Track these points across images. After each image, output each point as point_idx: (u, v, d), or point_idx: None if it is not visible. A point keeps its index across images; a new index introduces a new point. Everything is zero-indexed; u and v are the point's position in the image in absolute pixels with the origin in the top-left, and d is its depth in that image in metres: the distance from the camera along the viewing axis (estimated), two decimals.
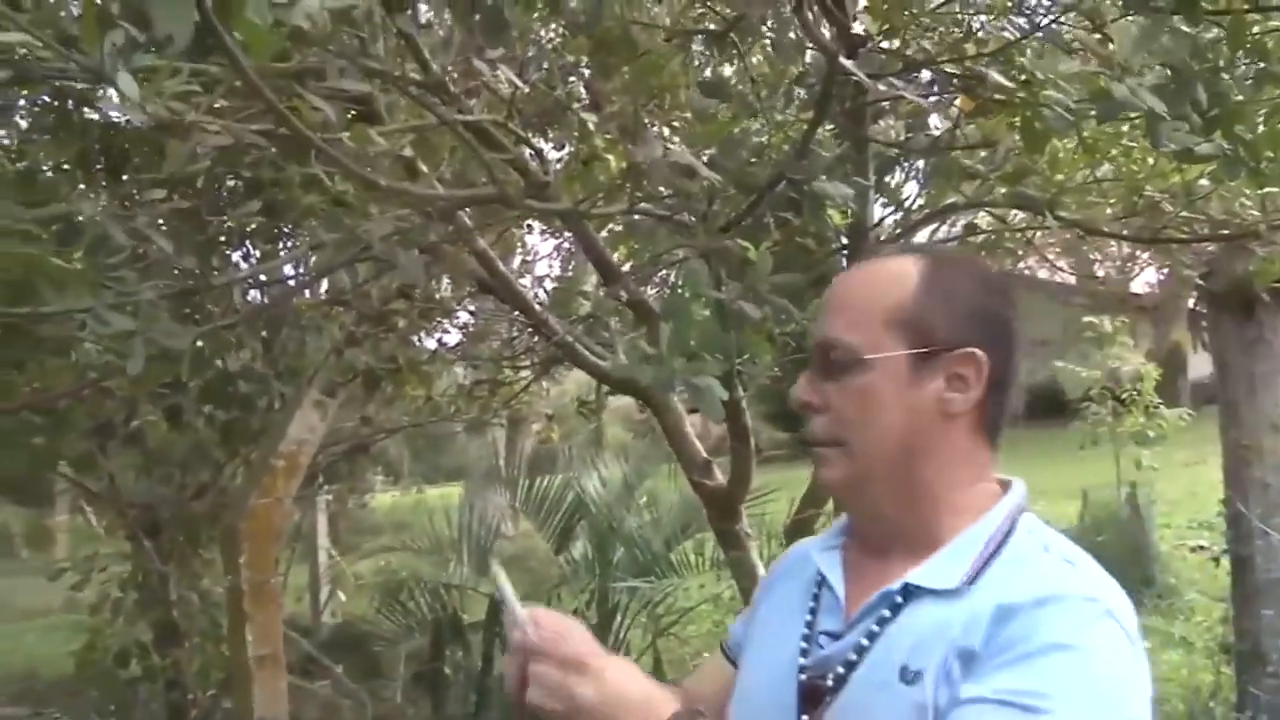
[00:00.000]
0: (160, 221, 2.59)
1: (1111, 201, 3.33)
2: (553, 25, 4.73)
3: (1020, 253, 4.39)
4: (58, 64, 1.66)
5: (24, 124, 3.81)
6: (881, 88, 2.19)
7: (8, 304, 2.79)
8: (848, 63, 1.88)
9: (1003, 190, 2.79)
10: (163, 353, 2.01)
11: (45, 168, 3.80)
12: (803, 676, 1.13)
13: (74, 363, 3.49)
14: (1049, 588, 1.03)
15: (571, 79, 5.34)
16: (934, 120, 2.96)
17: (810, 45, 2.08)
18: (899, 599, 1.10)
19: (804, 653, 1.15)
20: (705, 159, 2.20)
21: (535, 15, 4.38)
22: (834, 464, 1.15)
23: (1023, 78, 1.75)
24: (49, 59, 1.63)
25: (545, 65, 4.99)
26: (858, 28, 2.21)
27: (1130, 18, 1.72)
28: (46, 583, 6.16)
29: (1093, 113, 1.61)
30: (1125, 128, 2.78)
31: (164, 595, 5.52)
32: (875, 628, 1.10)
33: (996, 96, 2.07)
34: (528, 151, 3.07)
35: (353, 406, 5.85)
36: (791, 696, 1.12)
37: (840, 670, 1.10)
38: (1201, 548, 8.53)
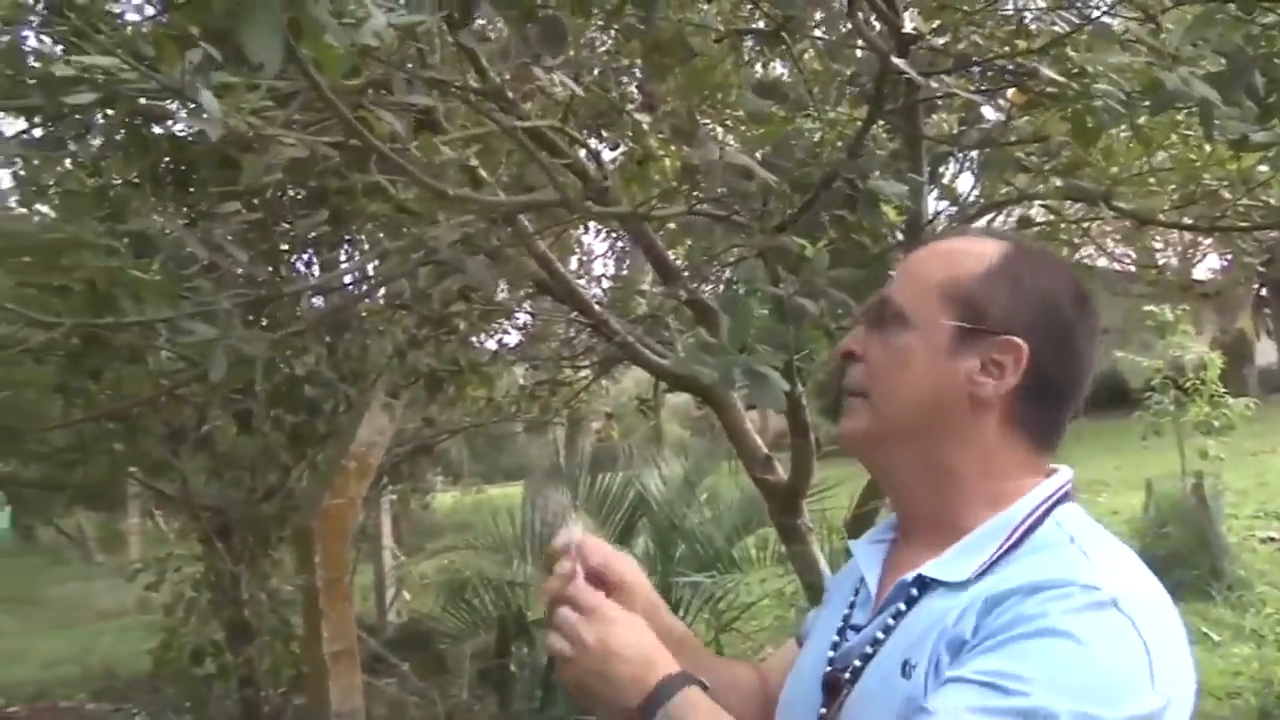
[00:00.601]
0: (228, 233, 2.68)
1: (1169, 190, 3.32)
2: (606, 29, 4.79)
3: (1076, 243, 4.36)
4: (139, 84, 1.74)
5: (96, 142, 3.93)
6: (934, 85, 2.21)
7: (90, 315, 2.90)
8: (900, 61, 1.91)
9: (1057, 183, 2.79)
10: (238, 359, 2.09)
11: (116, 182, 3.92)
12: (828, 668, 1.14)
13: (149, 371, 3.62)
14: (1048, 575, 1.00)
15: (624, 80, 5.40)
16: (987, 113, 2.97)
17: (862, 45, 2.11)
18: (914, 591, 1.09)
19: (834, 645, 1.16)
20: (760, 159, 2.23)
21: (591, 21, 4.45)
22: (855, 414, 1.16)
23: (1074, 71, 1.76)
24: (132, 80, 1.70)
25: (598, 69, 5.06)
26: (908, 25, 2.23)
27: (1184, 7, 1.73)
28: (119, 585, 6.32)
29: (1145, 104, 1.62)
30: (1181, 116, 2.77)
31: (235, 595, 5.64)
32: (891, 621, 1.10)
33: (1048, 90, 2.08)
34: (584, 154, 3.13)
35: (415, 408, 5.95)
36: (817, 688, 1.14)
37: (857, 663, 1.11)
38: (1271, 539, 8.39)
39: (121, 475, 5.16)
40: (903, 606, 1.09)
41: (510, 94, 2.99)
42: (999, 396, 1.09)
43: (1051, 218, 3.41)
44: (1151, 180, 3.06)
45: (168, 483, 5.32)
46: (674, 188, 3.14)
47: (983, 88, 2.47)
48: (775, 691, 1.27)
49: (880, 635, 1.10)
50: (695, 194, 3.06)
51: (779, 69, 5.45)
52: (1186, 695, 1.01)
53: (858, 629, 1.15)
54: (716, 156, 2.46)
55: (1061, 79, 1.72)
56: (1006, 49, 2.33)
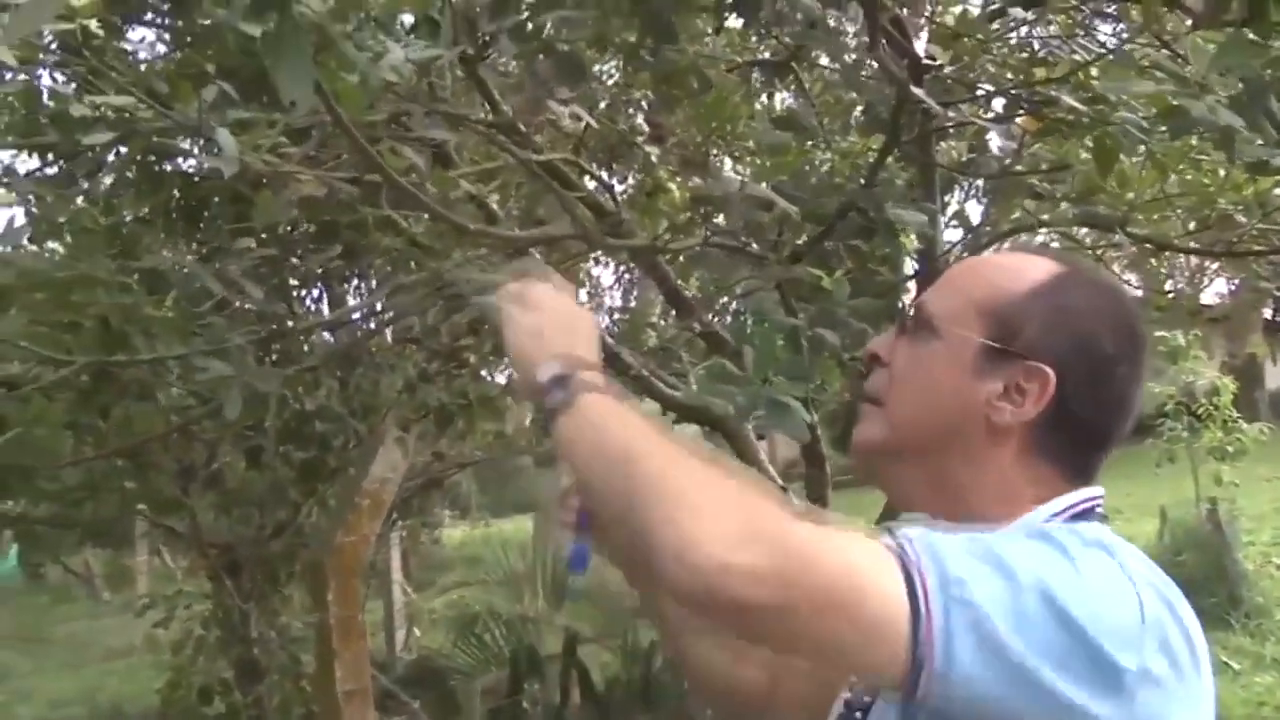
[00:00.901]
0: (241, 269, 2.67)
1: (1180, 214, 3.30)
2: (614, 61, 4.81)
3: (1098, 262, 4.34)
4: (155, 123, 1.73)
5: (108, 179, 3.94)
6: (950, 114, 2.20)
7: (102, 352, 2.89)
8: (918, 91, 1.90)
9: (1072, 211, 2.78)
10: (250, 396, 2.08)
11: (128, 218, 3.92)
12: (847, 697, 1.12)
13: (160, 408, 3.60)
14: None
15: (633, 112, 5.41)
16: (997, 140, 2.96)
17: (879, 78, 2.10)
18: None
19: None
20: (775, 189, 2.22)
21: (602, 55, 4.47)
22: (870, 422, 1.11)
23: (1090, 96, 1.75)
24: (147, 118, 1.70)
25: (607, 101, 5.07)
26: (921, 52, 2.23)
27: (1202, 33, 1.72)
28: (127, 623, 6.27)
29: (1163, 129, 1.61)
30: (1195, 141, 2.76)
31: (244, 633, 5.61)
32: None
33: (1066, 117, 2.07)
34: (596, 186, 3.13)
35: (425, 442, 5.93)
36: None
37: (866, 699, 1.08)
38: None
39: (131, 513, 5.13)
40: None
41: (522, 127, 3.00)
42: (1019, 424, 1.03)
43: (1066, 244, 3.40)
44: (1165, 206, 3.04)
45: (177, 520, 5.30)
46: (688, 219, 3.15)
47: (999, 116, 2.46)
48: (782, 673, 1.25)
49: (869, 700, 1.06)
50: (709, 226, 3.06)
51: (788, 99, 5.47)
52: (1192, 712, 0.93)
53: None
54: (736, 188, 2.46)
55: (1083, 107, 1.71)
56: (1023, 78, 2.32)
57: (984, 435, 1.03)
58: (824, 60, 3.43)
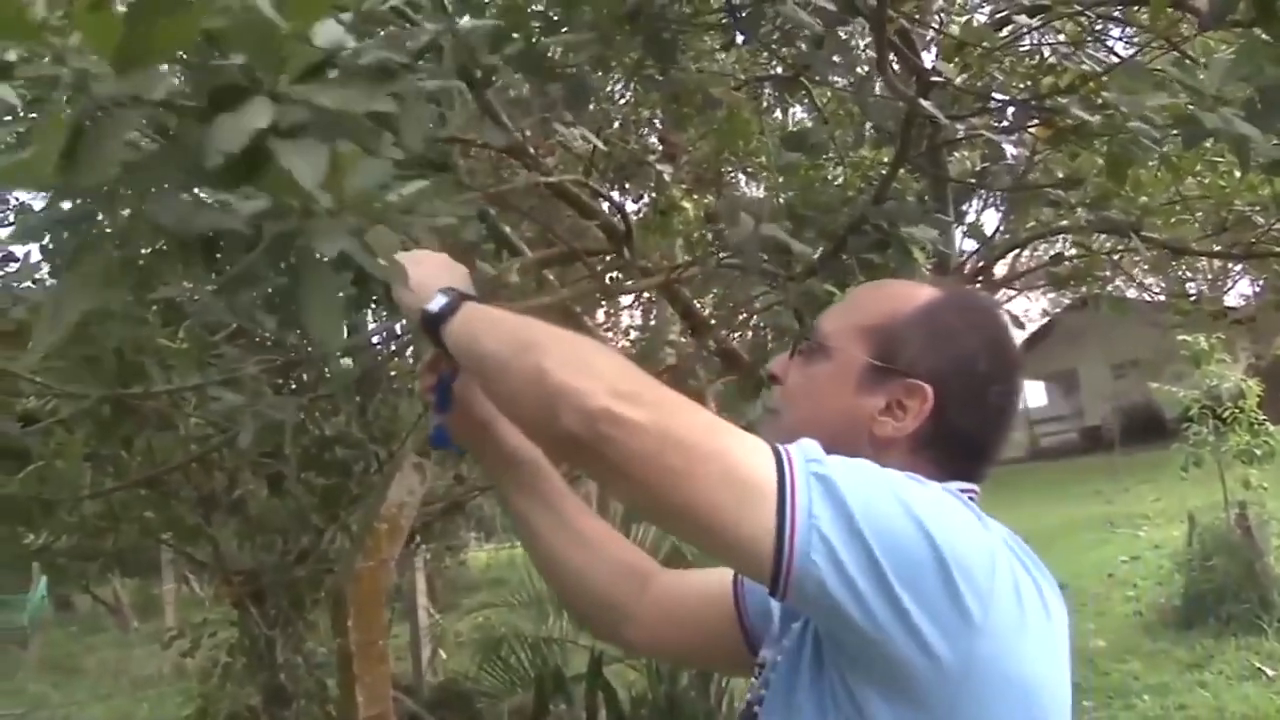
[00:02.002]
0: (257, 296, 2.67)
1: (1198, 216, 3.28)
2: (626, 83, 4.82)
3: (1108, 274, 4.31)
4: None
5: (124, 211, 3.96)
6: (959, 127, 2.19)
7: (121, 385, 2.91)
8: (926, 104, 1.89)
9: (1087, 217, 2.76)
10: (266, 424, 2.08)
11: (144, 250, 3.94)
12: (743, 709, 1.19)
13: (180, 437, 3.61)
14: None
15: (645, 131, 5.42)
16: (1011, 150, 2.94)
17: (889, 95, 2.09)
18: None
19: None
20: (787, 205, 2.21)
21: (610, 76, 4.48)
22: (767, 435, 1.15)
23: (1100, 103, 1.73)
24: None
25: (618, 121, 5.08)
26: (928, 64, 2.21)
27: (1216, 40, 1.70)
28: (156, 651, 6.31)
29: (1176, 133, 1.59)
30: (1209, 144, 2.74)
31: (270, 660, 5.62)
32: (785, 642, 1.15)
33: (1075, 124, 2.05)
34: (608, 207, 3.13)
35: (446, 466, 5.94)
36: None
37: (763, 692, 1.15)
38: None
39: (152, 542, 5.15)
40: (795, 625, 1.13)
41: (532, 150, 3.01)
42: (901, 436, 1.11)
43: (1082, 251, 3.37)
44: (1180, 208, 3.01)
45: (200, 548, 5.31)
46: (700, 239, 3.15)
47: (1007, 124, 2.44)
48: (660, 595, 1.36)
49: (777, 659, 1.14)
50: (719, 245, 3.05)
51: (800, 114, 5.47)
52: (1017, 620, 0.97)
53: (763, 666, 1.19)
54: (751, 230, 2.45)
55: (1091, 119, 1.69)
56: (1029, 85, 2.30)
57: (868, 446, 1.10)
58: (835, 76, 3.41)
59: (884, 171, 2.49)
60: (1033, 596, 0.98)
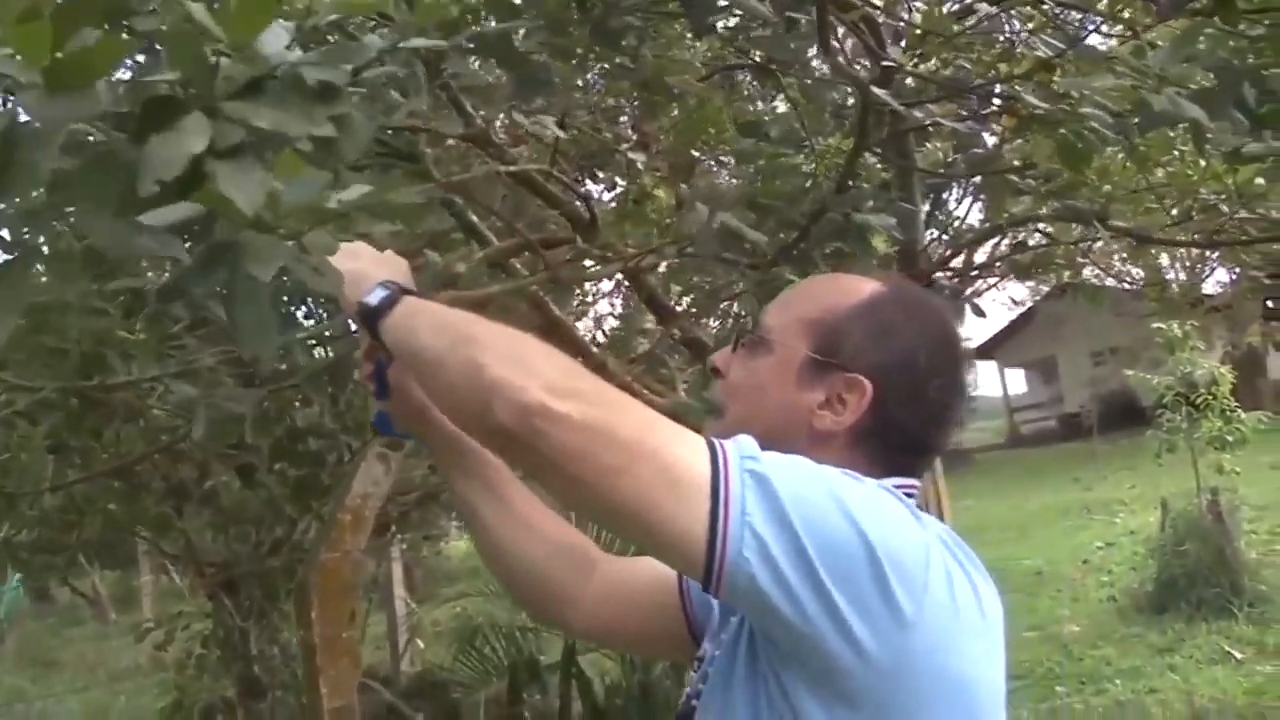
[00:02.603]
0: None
1: (1165, 205, 3.28)
2: (597, 68, 4.79)
3: (1078, 261, 4.31)
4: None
5: None
6: (919, 114, 2.18)
7: (83, 377, 2.87)
8: (880, 92, 1.88)
9: (1053, 205, 2.76)
10: (224, 416, 2.06)
11: None
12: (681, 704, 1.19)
13: (147, 428, 3.59)
14: None
15: (622, 120, 5.39)
16: (985, 137, 2.93)
17: (841, 80, 2.08)
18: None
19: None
20: (749, 198, 2.19)
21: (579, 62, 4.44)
22: (709, 428, 1.18)
23: (1060, 94, 1.72)
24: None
25: (590, 111, 5.05)
26: (893, 54, 2.20)
27: (1171, 24, 1.69)
28: (133, 643, 6.29)
29: (1135, 123, 1.59)
30: (1174, 133, 2.74)
31: (245, 651, 5.61)
32: (724, 636, 1.15)
33: (1034, 114, 2.05)
34: (574, 198, 3.10)
35: (422, 456, 5.91)
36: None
37: (701, 686, 1.15)
38: None
39: (120, 535, 5.11)
40: (734, 619, 1.12)
41: (496, 139, 2.98)
42: (841, 430, 1.10)
43: (1048, 241, 3.37)
44: (1148, 198, 3.01)
45: (170, 540, 5.28)
46: (665, 226, 3.13)
47: (973, 113, 2.43)
48: (605, 580, 1.36)
49: (715, 653, 1.14)
50: (685, 242, 3.03)
51: (774, 104, 5.45)
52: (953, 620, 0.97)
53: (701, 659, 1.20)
54: (705, 220, 2.44)
55: (1044, 105, 1.69)
56: (992, 74, 2.30)
57: (807, 440, 1.10)
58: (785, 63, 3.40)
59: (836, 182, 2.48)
60: (967, 593, 0.98)
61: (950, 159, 3.62)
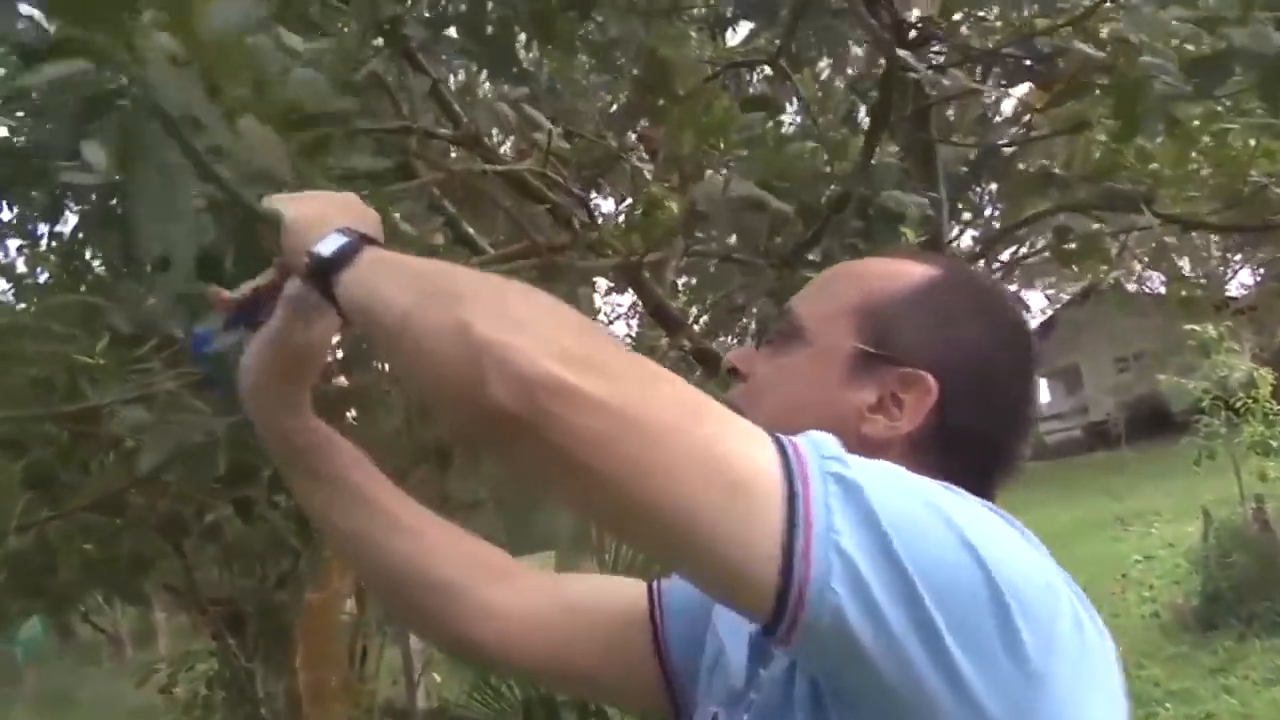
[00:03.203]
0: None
1: (1209, 189, 3.04)
2: (597, 75, 4.62)
3: (1119, 254, 4.06)
4: None
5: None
6: (946, 82, 1.96)
7: (62, 403, 2.70)
8: (904, 53, 1.66)
9: (1089, 190, 2.54)
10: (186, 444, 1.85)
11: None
12: None
13: (127, 460, 3.39)
14: None
15: (631, 134, 5.21)
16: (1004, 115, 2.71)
17: (867, 39, 1.86)
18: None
19: None
20: (758, 184, 1.99)
21: (581, 64, 4.28)
22: None
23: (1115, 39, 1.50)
24: None
25: (594, 119, 4.87)
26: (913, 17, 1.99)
27: None
28: (136, 687, 6.15)
29: (1201, 77, 1.36)
30: (1221, 108, 2.51)
31: (251, 691, 5.44)
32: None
33: (1074, 82, 1.82)
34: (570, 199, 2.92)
35: (431, 484, 5.73)
36: None
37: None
38: None
39: (102, 572, 4.91)
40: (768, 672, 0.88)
41: (486, 140, 2.79)
42: (897, 439, 0.89)
43: (1088, 230, 3.11)
44: (1193, 181, 2.78)
45: (153, 578, 5.09)
46: (672, 229, 2.92)
47: (1000, 81, 2.21)
48: (531, 595, 1.07)
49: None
50: (695, 235, 2.83)
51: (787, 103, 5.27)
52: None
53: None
54: (721, 190, 2.23)
55: (1100, 54, 1.46)
56: (1026, 32, 2.07)
57: (856, 450, 0.81)
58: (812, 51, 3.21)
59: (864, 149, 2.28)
60: (1095, 637, 0.77)
61: (971, 138, 3.40)
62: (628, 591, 1.09)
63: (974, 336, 0.92)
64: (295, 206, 0.96)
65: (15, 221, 3.89)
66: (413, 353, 0.78)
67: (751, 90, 4.92)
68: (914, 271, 0.96)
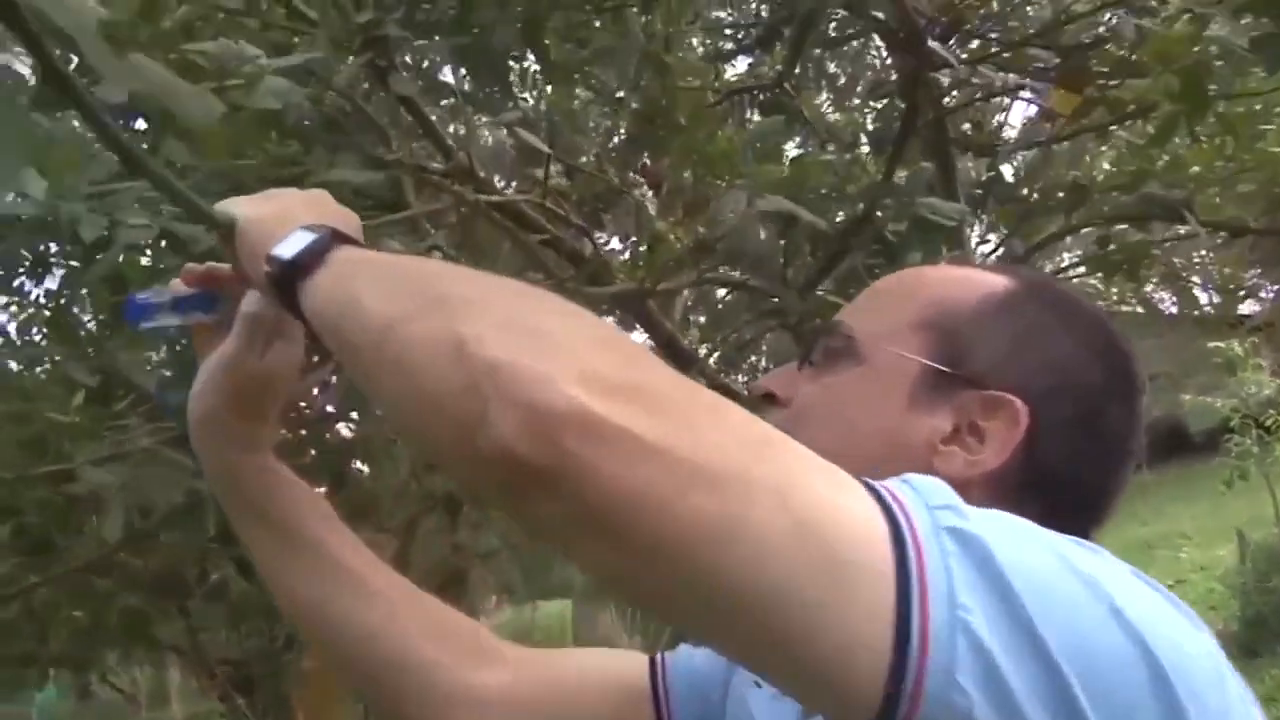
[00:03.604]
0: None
1: (1238, 197, 2.90)
2: (596, 108, 4.54)
3: (1159, 269, 3.89)
4: None
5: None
6: (976, 81, 1.82)
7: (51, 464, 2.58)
8: (935, 45, 1.52)
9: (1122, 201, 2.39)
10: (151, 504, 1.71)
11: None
12: None
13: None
14: None
15: (631, 172, 5.12)
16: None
17: (896, 26, 1.72)
18: None
19: None
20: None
21: (583, 100, 4.20)
22: None
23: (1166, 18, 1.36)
24: None
25: (595, 152, 4.77)
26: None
27: None
28: None
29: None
30: (1259, 106, 2.37)
31: None
32: None
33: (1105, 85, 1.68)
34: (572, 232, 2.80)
35: (442, 535, 5.58)
36: None
37: None
38: None
39: (93, 641, 4.72)
40: None
41: (481, 173, 2.67)
42: (978, 477, 0.71)
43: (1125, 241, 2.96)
44: (1235, 184, 2.63)
45: (149, 647, 4.93)
46: (680, 260, 2.79)
47: (1031, 72, 2.05)
48: (517, 671, 0.89)
49: None
50: (705, 263, 2.70)
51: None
52: None
53: None
54: (745, 204, 2.08)
55: (1154, 26, 1.31)
56: (1062, 18, 1.93)
57: None
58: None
59: (880, 176, 2.14)
60: (1250, 704, 0.59)
61: (984, 177, 3.26)
62: (627, 666, 0.92)
63: (1066, 354, 0.76)
64: (252, 206, 0.80)
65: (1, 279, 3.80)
66: (394, 378, 0.60)
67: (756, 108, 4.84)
68: (987, 279, 0.79)
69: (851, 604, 0.50)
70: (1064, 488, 0.73)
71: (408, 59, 1.81)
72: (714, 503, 0.50)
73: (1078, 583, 0.53)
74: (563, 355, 0.54)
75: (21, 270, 3.53)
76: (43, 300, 3.83)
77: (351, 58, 1.38)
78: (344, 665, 0.92)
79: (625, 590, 0.58)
